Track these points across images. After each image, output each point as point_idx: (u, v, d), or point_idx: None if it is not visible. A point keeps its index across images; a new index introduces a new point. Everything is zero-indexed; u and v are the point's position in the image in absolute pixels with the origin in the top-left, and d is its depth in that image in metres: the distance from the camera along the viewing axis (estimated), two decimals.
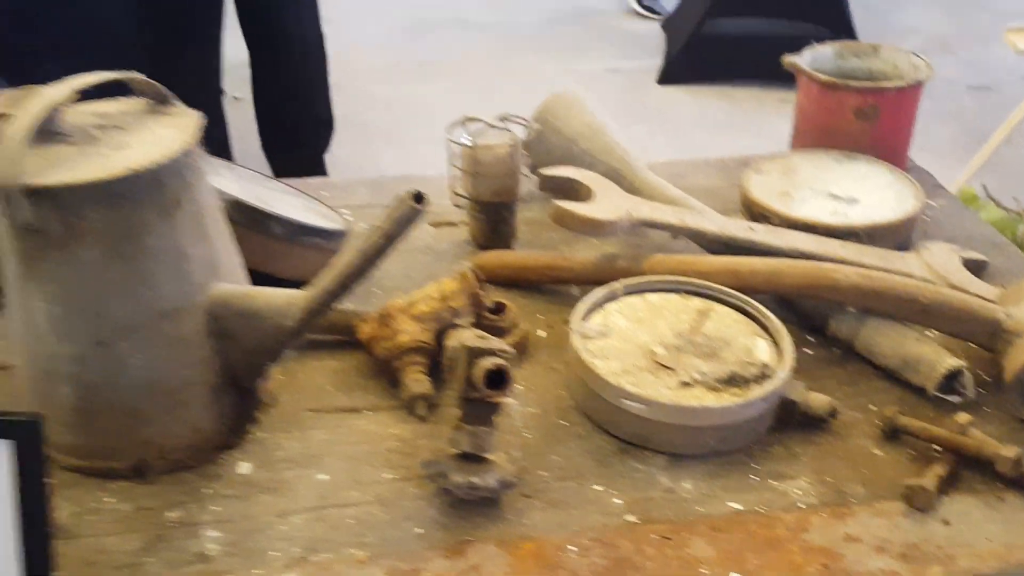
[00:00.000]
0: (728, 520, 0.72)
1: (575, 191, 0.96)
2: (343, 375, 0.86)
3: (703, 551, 0.69)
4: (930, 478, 0.74)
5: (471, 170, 1.01)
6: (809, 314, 0.91)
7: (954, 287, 0.90)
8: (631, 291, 0.89)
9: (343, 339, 0.87)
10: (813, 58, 1.15)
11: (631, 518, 0.72)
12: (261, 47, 2.17)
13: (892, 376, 0.86)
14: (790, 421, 0.80)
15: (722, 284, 0.88)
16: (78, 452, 0.73)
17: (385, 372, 0.84)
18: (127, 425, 0.72)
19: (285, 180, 1.04)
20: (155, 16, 2.00)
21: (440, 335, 0.83)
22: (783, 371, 0.78)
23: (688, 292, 0.89)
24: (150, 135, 0.69)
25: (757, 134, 2.85)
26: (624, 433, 0.78)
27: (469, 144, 1.00)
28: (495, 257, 0.99)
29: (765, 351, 0.82)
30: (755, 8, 3.08)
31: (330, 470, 0.76)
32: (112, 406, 0.71)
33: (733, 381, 0.78)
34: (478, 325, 0.85)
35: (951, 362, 0.82)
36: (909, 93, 1.11)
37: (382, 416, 0.82)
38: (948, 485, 0.75)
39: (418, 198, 0.66)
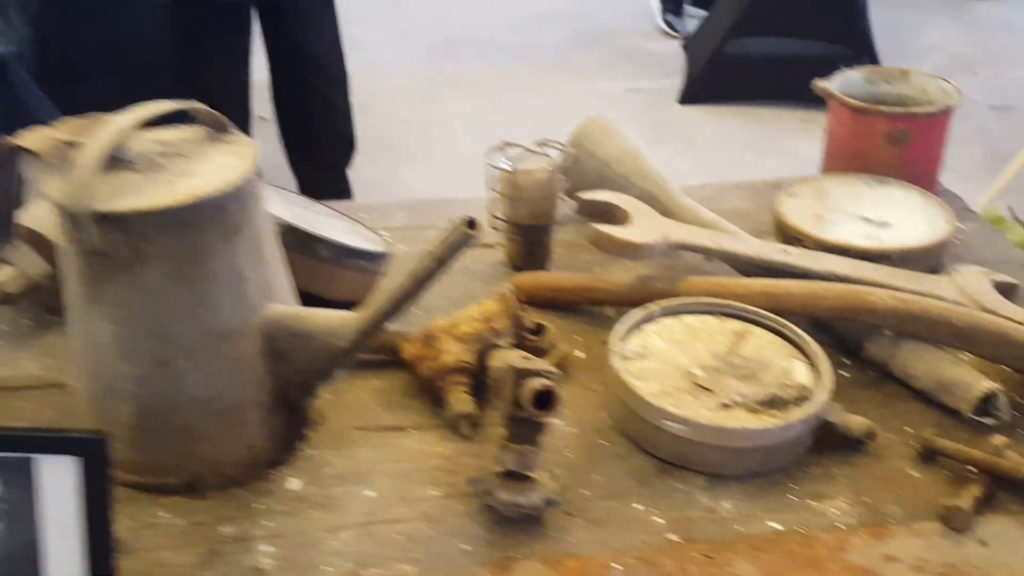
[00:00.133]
0: (769, 540, 0.73)
1: (612, 214, 0.98)
2: (387, 394, 0.88)
3: (745, 570, 0.71)
4: (966, 499, 0.75)
5: (510, 194, 1.03)
6: (844, 336, 0.92)
7: (987, 310, 0.91)
8: (668, 313, 0.91)
9: (387, 359, 0.90)
10: (843, 83, 1.17)
11: (673, 537, 0.74)
12: (284, 67, 2.21)
13: (927, 398, 0.87)
14: (828, 442, 0.81)
15: (758, 306, 0.90)
16: (135, 468, 0.75)
17: (428, 391, 0.86)
18: (183, 442, 0.75)
19: (328, 203, 1.07)
20: (186, 38, 2.05)
21: (482, 355, 0.85)
22: (822, 393, 0.80)
23: (724, 314, 0.91)
24: (212, 163, 0.72)
25: (778, 154, 2.86)
26: (664, 453, 0.80)
27: (509, 169, 1.02)
28: (533, 278, 1.01)
29: (803, 373, 0.83)
30: (776, 28, 3.10)
31: (377, 487, 0.78)
32: (169, 423, 0.74)
33: (773, 403, 0.80)
34: (518, 346, 0.87)
35: (986, 385, 0.84)
36: (939, 118, 1.13)
37: (426, 434, 0.84)
38: (984, 506, 0.76)
39: (471, 224, 0.68)
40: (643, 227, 0.95)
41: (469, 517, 0.75)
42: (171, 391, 0.72)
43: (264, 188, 0.86)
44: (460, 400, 0.83)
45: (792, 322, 0.88)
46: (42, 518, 0.65)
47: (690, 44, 3.40)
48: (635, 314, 0.89)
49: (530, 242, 1.05)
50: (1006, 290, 1.00)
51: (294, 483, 0.78)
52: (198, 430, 0.74)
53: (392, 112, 3.01)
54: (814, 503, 0.77)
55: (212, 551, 0.72)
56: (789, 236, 1.02)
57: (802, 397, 0.81)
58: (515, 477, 0.74)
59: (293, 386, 0.76)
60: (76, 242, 0.69)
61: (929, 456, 0.81)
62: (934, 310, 0.86)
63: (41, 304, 0.95)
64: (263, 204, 0.75)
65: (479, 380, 0.85)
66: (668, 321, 0.90)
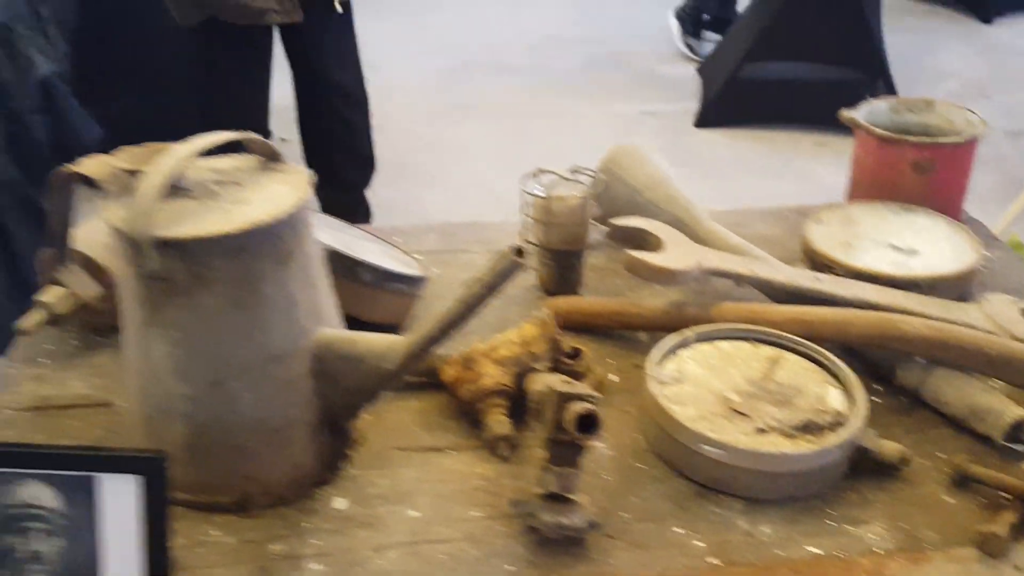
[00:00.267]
0: (809, 564, 0.75)
1: (644, 240, 1.00)
2: (427, 415, 0.90)
3: None
4: (1002, 525, 0.76)
5: (543, 219, 1.05)
6: (876, 363, 0.94)
7: (1016, 339, 0.93)
8: (702, 338, 0.92)
9: (426, 380, 0.91)
10: (868, 113, 1.19)
11: (714, 560, 0.75)
12: (307, 92, 2.26)
13: (958, 424, 0.89)
14: (862, 468, 0.82)
15: (791, 333, 0.91)
16: (186, 486, 0.77)
17: (467, 413, 0.88)
18: (233, 461, 0.76)
19: (362, 226, 1.09)
20: (208, 60, 2.10)
21: (520, 378, 0.87)
22: (857, 419, 0.81)
23: (758, 340, 0.92)
24: (265, 191, 0.74)
25: (794, 177, 2.89)
26: (701, 477, 0.81)
27: (542, 195, 1.04)
28: (568, 303, 1.03)
29: (837, 399, 0.85)
30: (791, 53, 3.13)
31: (420, 507, 0.79)
32: (221, 443, 0.75)
33: (808, 428, 0.81)
34: (555, 369, 0.89)
35: (1017, 412, 0.85)
36: (965, 148, 1.14)
37: (466, 455, 0.85)
38: (1019, 532, 0.77)
39: (519, 252, 0.70)
40: (677, 253, 0.97)
41: (512, 538, 0.77)
42: (224, 411, 0.74)
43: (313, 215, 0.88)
44: (499, 422, 0.85)
45: (825, 348, 0.90)
46: (102, 535, 0.67)
47: (705, 68, 3.43)
48: (670, 339, 0.91)
49: (562, 267, 1.07)
50: None
51: (340, 502, 0.80)
52: (248, 449, 0.76)
53: (409, 134, 3.05)
54: (851, 528, 0.78)
55: (262, 568, 0.73)
56: (818, 263, 1.04)
57: (837, 423, 0.82)
58: (557, 499, 0.75)
59: (340, 407, 0.78)
60: (136, 267, 0.71)
61: (962, 482, 0.82)
62: (965, 338, 0.88)
63: (88, 325, 0.97)
64: (313, 231, 0.77)
65: (517, 403, 0.86)
66: (703, 347, 0.92)
